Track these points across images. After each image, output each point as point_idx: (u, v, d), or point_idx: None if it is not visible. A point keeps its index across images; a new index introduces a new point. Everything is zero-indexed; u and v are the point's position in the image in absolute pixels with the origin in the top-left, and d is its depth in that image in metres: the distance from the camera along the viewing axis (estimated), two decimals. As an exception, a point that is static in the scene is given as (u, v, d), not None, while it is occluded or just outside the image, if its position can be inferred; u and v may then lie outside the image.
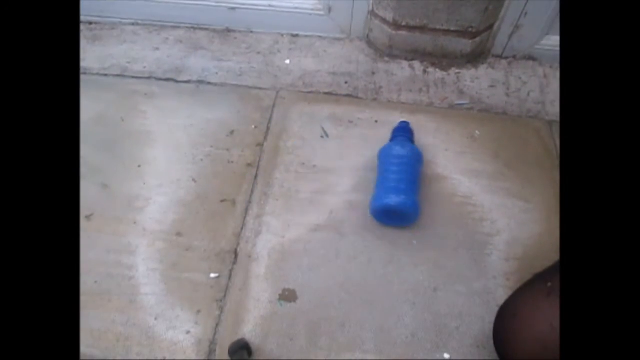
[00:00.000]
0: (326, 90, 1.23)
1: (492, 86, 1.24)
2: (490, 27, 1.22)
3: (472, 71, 1.27)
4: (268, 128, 1.15)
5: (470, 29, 1.19)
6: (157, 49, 1.33)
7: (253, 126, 1.15)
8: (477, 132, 1.14)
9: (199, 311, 0.88)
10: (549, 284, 0.69)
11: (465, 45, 1.23)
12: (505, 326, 0.75)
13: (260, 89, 1.23)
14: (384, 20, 1.23)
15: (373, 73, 1.27)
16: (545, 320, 0.66)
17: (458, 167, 1.07)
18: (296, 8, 1.29)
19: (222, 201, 1.02)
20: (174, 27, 1.38)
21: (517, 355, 0.70)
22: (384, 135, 1.13)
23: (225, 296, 0.89)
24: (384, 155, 1.01)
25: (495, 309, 0.81)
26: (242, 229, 0.98)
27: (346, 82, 1.25)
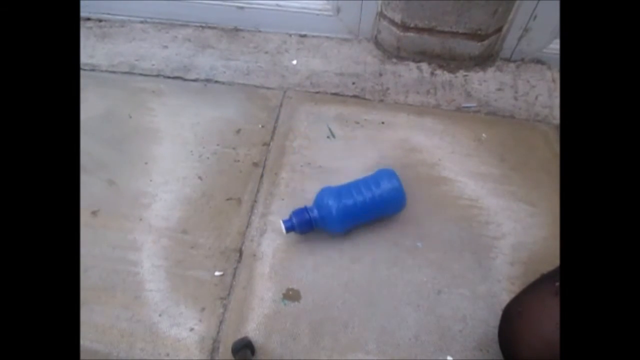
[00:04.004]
0: (333, 91, 1.23)
1: (499, 89, 1.24)
2: (499, 29, 1.21)
3: (480, 74, 1.27)
4: (274, 127, 1.15)
5: (479, 32, 1.18)
6: (166, 47, 1.33)
7: (260, 125, 1.15)
8: (483, 135, 1.14)
9: (203, 309, 0.88)
10: (557, 284, 0.69)
11: (473, 47, 1.23)
12: (511, 324, 0.75)
13: (267, 88, 1.24)
14: (392, 22, 1.23)
15: (380, 74, 1.27)
16: (552, 319, 0.65)
17: (464, 169, 1.07)
18: (304, 8, 1.29)
19: (227, 199, 1.02)
20: (182, 26, 1.39)
21: (522, 354, 0.70)
22: (390, 136, 1.13)
23: (229, 294, 0.90)
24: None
25: (500, 313, 0.80)
26: (247, 227, 0.98)
27: (353, 83, 1.25)
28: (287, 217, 0.92)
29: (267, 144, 1.12)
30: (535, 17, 1.16)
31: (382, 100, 1.21)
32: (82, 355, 0.82)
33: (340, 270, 0.92)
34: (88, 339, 0.84)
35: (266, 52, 1.32)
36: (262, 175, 1.06)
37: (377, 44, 1.33)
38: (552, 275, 0.75)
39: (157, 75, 1.26)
